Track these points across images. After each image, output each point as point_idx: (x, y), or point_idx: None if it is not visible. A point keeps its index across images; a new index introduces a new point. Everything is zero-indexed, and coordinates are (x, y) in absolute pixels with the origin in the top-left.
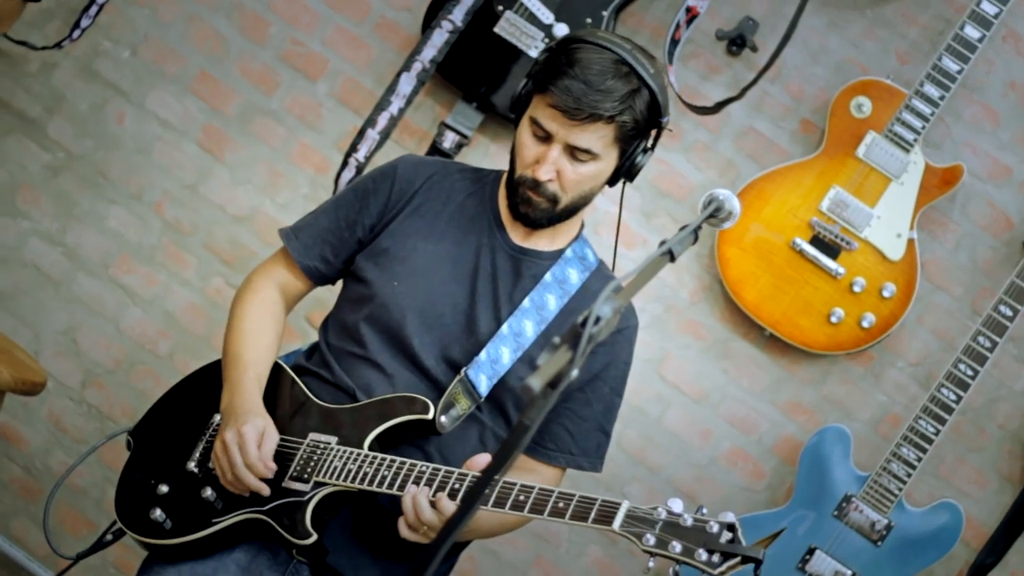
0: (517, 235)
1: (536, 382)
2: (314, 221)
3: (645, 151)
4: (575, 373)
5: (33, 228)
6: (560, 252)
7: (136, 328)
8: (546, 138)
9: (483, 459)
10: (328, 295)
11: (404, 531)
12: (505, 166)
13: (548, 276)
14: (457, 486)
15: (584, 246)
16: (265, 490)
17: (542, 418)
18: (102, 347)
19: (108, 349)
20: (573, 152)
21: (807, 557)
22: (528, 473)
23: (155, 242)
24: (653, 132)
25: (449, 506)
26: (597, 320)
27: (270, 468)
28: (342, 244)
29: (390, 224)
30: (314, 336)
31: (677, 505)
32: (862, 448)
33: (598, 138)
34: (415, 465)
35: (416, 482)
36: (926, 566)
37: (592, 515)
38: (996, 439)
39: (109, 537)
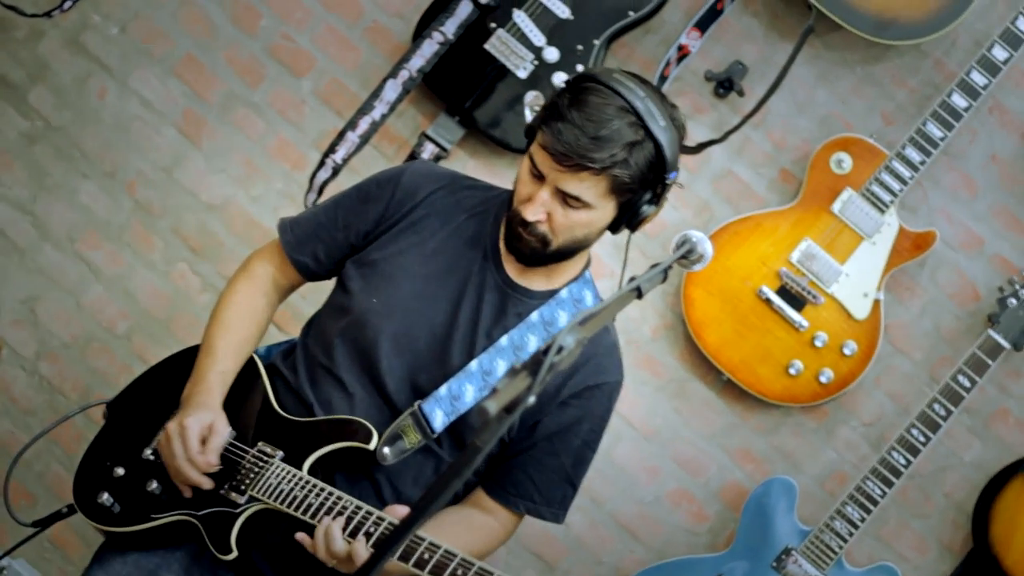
0: (512, 268)
1: (492, 405)
2: (312, 217)
3: (649, 203)
4: (532, 400)
5: (3, 194)
6: (553, 292)
7: (96, 305)
8: (540, 177)
9: (402, 510)
10: (299, 299)
11: (321, 555)
12: (482, 183)
13: (535, 316)
14: (372, 530)
15: (583, 288)
16: (206, 484)
17: (493, 442)
18: (60, 320)
19: (66, 323)
20: (565, 197)
21: None
22: (483, 513)
23: (124, 221)
24: (659, 186)
25: (360, 551)
26: (560, 349)
27: (211, 464)
28: (335, 244)
29: (384, 235)
30: (280, 337)
31: None
32: (807, 502)
33: (588, 187)
34: (340, 498)
35: (338, 516)
36: None
37: None
38: (941, 507)
39: (64, 510)
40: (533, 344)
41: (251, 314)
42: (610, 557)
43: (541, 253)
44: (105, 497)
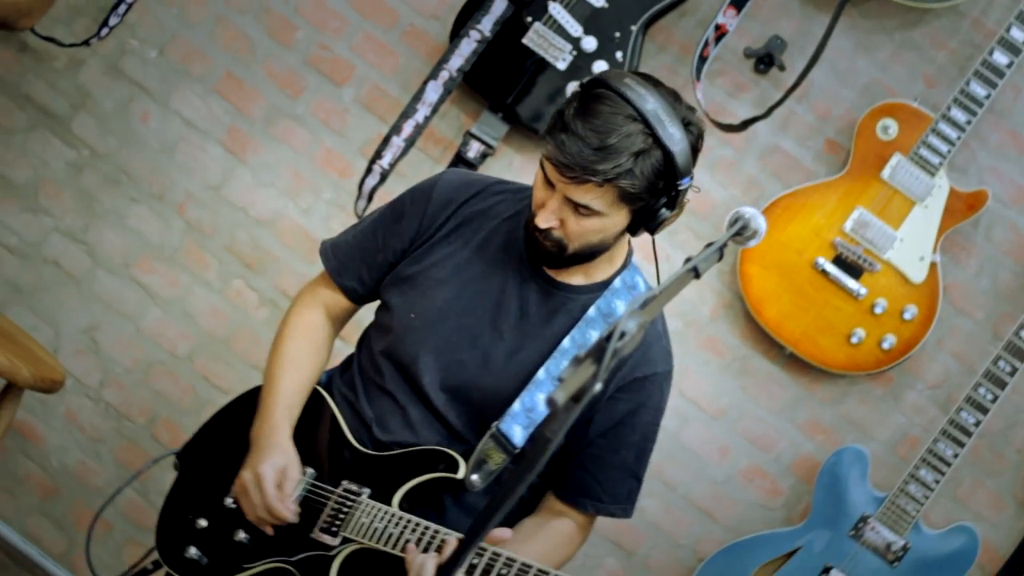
0: (553, 268)
1: (560, 395)
2: (351, 239)
3: (664, 207)
4: (599, 387)
5: (55, 225)
6: (604, 284)
7: (156, 328)
8: (551, 185)
9: (504, 533)
10: (365, 312)
11: None
12: (529, 178)
13: (592, 311)
14: (475, 561)
15: (634, 274)
16: (290, 518)
17: (564, 431)
18: (121, 346)
19: (127, 348)
20: (575, 206)
21: None
22: (558, 516)
23: (176, 243)
24: (673, 193)
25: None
26: (622, 335)
27: (290, 509)
28: (376, 265)
29: (419, 249)
30: (347, 351)
31: None
32: (879, 469)
33: (595, 198)
34: (438, 531)
35: (438, 551)
36: None
37: None
38: (1014, 464)
39: (149, 566)
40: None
41: (311, 347)
42: (688, 539)
43: (559, 257)
44: (193, 551)
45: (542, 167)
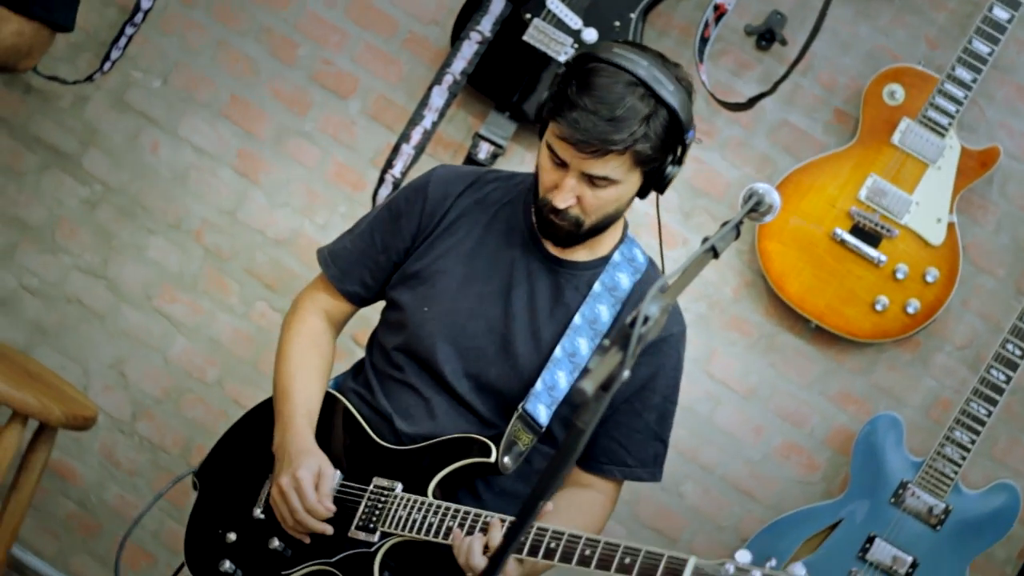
0: (553, 246)
1: (588, 385)
2: (350, 245)
3: (672, 164)
4: (627, 374)
5: (74, 263)
6: (605, 259)
7: (183, 357)
8: (562, 164)
9: (546, 506)
10: (373, 313)
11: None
12: (504, 172)
13: (597, 286)
14: (523, 538)
15: (632, 247)
16: (328, 530)
17: (596, 421)
18: (150, 378)
19: (156, 380)
20: (592, 179)
21: (867, 546)
22: (584, 489)
23: (196, 270)
24: (679, 147)
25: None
26: (646, 320)
27: (329, 509)
28: (378, 268)
29: (422, 245)
30: (360, 354)
31: (745, 557)
32: (915, 434)
33: (614, 167)
34: (479, 515)
35: (483, 531)
36: (986, 547)
37: (660, 571)
38: None
39: None
40: (605, 314)
41: (317, 352)
42: (729, 520)
43: (576, 235)
44: (228, 565)
45: (550, 149)
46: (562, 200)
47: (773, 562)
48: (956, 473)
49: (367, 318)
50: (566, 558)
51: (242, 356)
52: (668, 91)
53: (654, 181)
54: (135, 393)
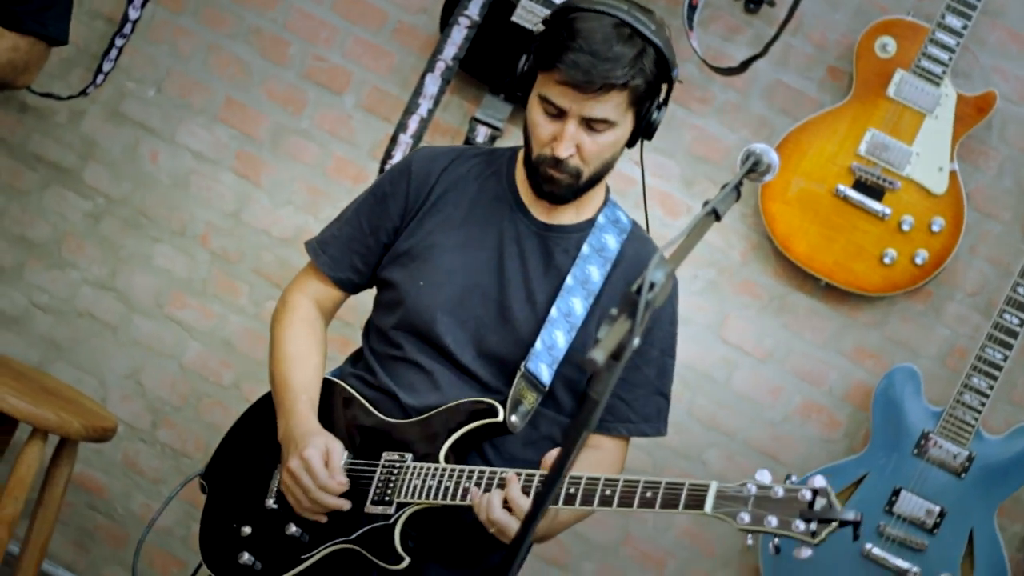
0: (540, 212)
1: (599, 355)
2: (338, 231)
3: (659, 107)
4: (637, 342)
5: (83, 277)
6: (590, 222)
7: (198, 362)
8: (559, 115)
9: (552, 456)
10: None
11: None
12: (483, 148)
13: (585, 248)
14: (541, 488)
15: (615, 209)
16: (345, 505)
17: (610, 390)
18: (167, 385)
19: (173, 386)
20: (590, 124)
21: (893, 499)
22: (592, 450)
23: (205, 275)
24: (664, 87)
25: (524, 502)
26: (652, 286)
27: (342, 484)
28: (369, 251)
29: (411, 224)
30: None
31: (765, 477)
32: (933, 384)
33: (613, 106)
34: (495, 472)
35: (500, 487)
36: (1012, 492)
37: (682, 501)
38: None
39: None
40: (596, 274)
41: (312, 338)
42: None
43: (575, 187)
44: (246, 558)
45: (543, 102)
46: (564, 148)
47: (794, 477)
48: (976, 420)
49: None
50: (587, 500)
51: (256, 357)
52: (650, 30)
53: (643, 125)
54: (153, 401)
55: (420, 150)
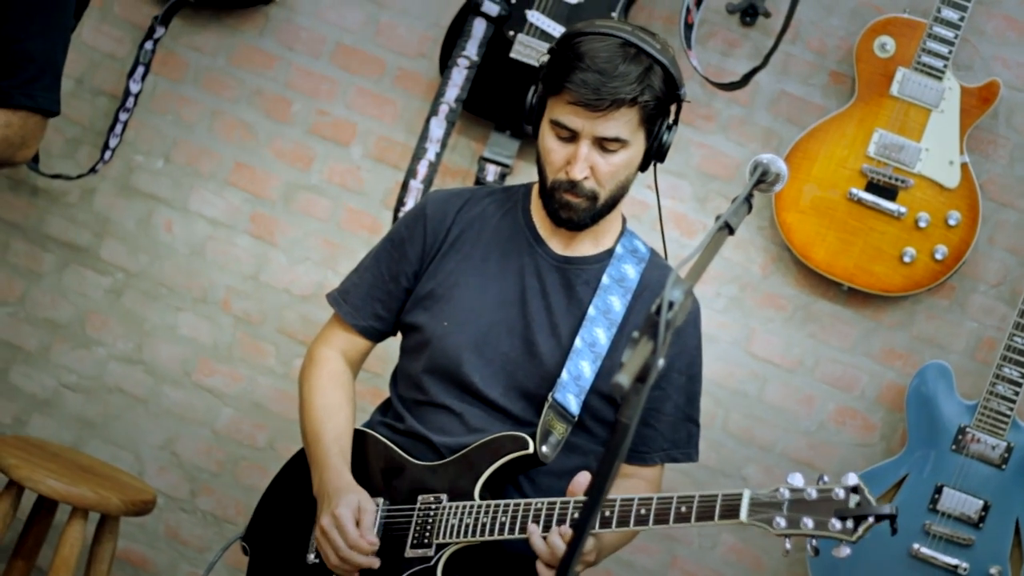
0: (558, 245)
1: (625, 378)
2: (359, 280)
3: (670, 128)
4: (661, 362)
5: (109, 353)
6: (608, 252)
7: (231, 427)
8: (571, 137)
9: (585, 478)
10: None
11: (544, 572)
12: (496, 187)
13: (605, 278)
14: (576, 515)
15: (632, 239)
16: (375, 563)
17: (639, 414)
18: (202, 453)
19: (209, 453)
20: (602, 144)
21: (936, 496)
22: (627, 479)
23: (230, 339)
24: (673, 107)
25: (558, 542)
26: (671, 305)
27: (372, 543)
28: (390, 297)
29: (430, 266)
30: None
31: (798, 480)
32: (964, 378)
33: (624, 124)
34: (530, 504)
35: (536, 520)
36: None
37: (717, 512)
38: None
39: None
40: (617, 305)
41: (340, 392)
42: None
43: (592, 211)
44: None
45: (554, 127)
46: (579, 170)
47: (826, 478)
48: (1012, 410)
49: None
50: (623, 522)
51: (289, 416)
52: (655, 49)
53: (654, 146)
54: (190, 470)
55: (433, 193)
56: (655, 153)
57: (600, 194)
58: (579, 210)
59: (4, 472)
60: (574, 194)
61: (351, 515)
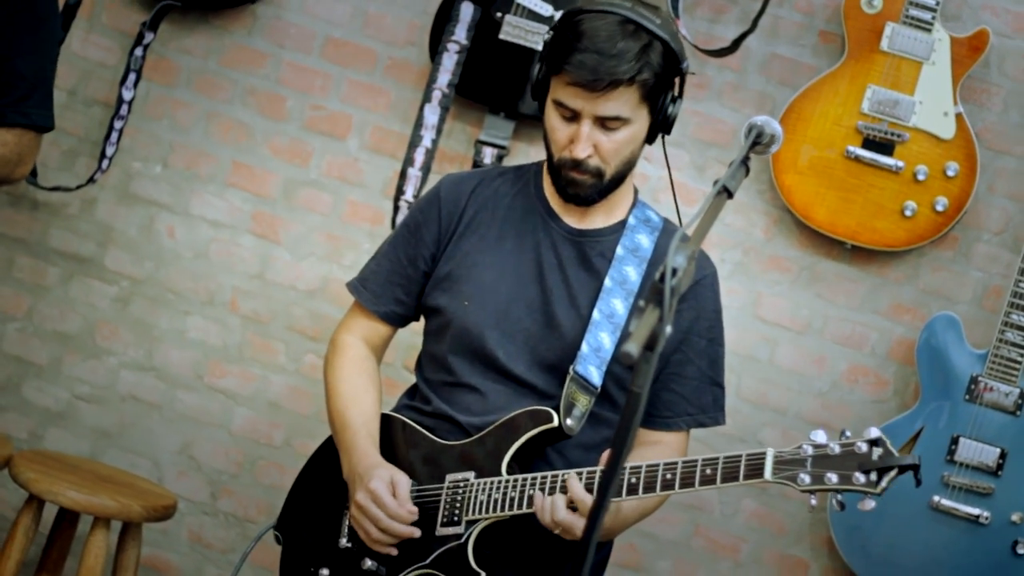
0: (572, 219)
1: (633, 347)
2: (377, 267)
3: (674, 101)
4: (669, 329)
5: (120, 362)
6: (621, 223)
7: (247, 427)
8: (574, 116)
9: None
10: (418, 338)
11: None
12: (508, 167)
13: (619, 249)
14: (601, 481)
15: (645, 209)
16: (416, 532)
17: (651, 381)
18: (220, 455)
19: (227, 455)
20: (604, 123)
21: (953, 448)
22: (653, 446)
23: (239, 340)
24: (677, 80)
25: (588, 499)
26: (674, 272)
27: (412, 512)
28: (410, 282)
29: (447, 248)
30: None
31: (820, 436)
32: (973, 328)
33: (624, 102)
34: (557, 475)
35: (564, 491)
36: None
37: (742, 472)
38: None
39: None
40: (633, 275)
41: (365, 376)
42: None
43: (599, 187)
44: None
45: (556, 106)
46: (581, 149)
47: (848, 433)
48: (1022, 356)
49: (416, 344)
50: (649, 488)
51: (304, 412)
52: (655, 24)
53: (659, 120)
54: (209, 472)
55: (447, 176)
56: (661, 126)
57: (605, 171)
58: (585, 186)
59: (23, 487)
60: (579, 172)
61: (386, 487)
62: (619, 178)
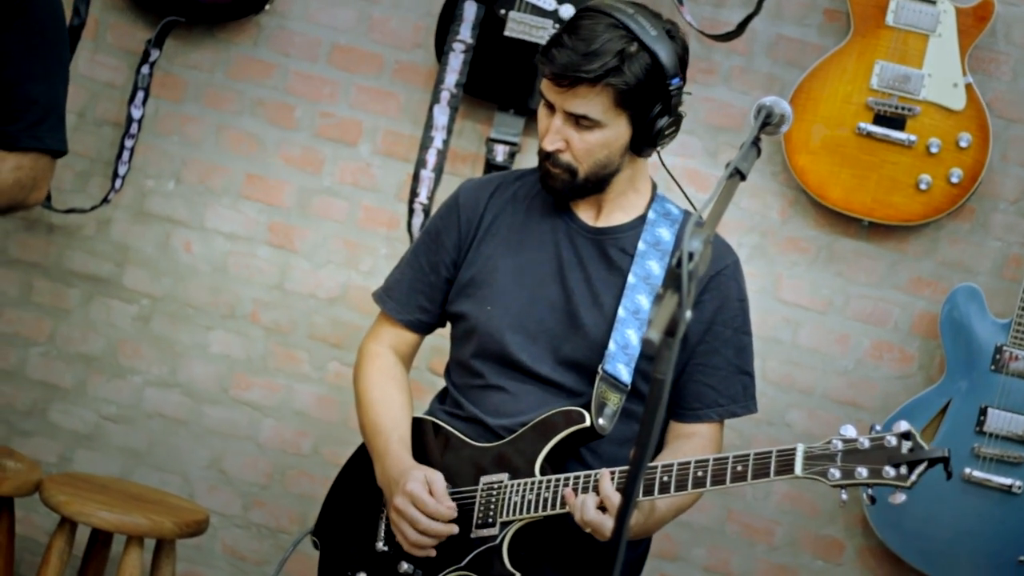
0: (590, 217)
1: (653, 334)
2: (400, 276)
3: (660, 115)
4: (689, 314)
5: (144, 380)
6: (641, 218)
7: (274, 437)
8: (551, 108)
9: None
10: (443, 341)
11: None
12: (526, 169)
13: (641, 244)
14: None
15: (664, 203)
16: (455, 529)
17: (672, 367)
18: (249, 467)
19: (256, 466)
20: (577, 121)
21: (981, 419)
22: (689, 439)
23: (262, 351)
24: (664, 96)
25: (617, 498)
26: (691, 256)
27: (451, 508)
28: (432, 289)
29: (468, 254)
30: (441, 383)
31: (850, 431)
32: (995, 298)
33: (591, 103)
34: (590, 475)
35: (596, 491)
36: None
37: (772, 468)
38: None
39: None
40: (656, 269)
41: (394, 384)
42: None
43: (572, 184)
44: None
45: (542, 96)
46: (549, 142)
47: (878, 427)
48: None
49: (439, 347)
50: (681, 486)
51: (330, 420)
52: (650, 36)
53: (643, 132)
54: (239, 485)
55: (466, 183)
56: (645, 139)
57: (578, 169)
58: (558, 181)
59: (55, 510)
60: (552, 165)
61: (423, 488)
62: (596, 180)
